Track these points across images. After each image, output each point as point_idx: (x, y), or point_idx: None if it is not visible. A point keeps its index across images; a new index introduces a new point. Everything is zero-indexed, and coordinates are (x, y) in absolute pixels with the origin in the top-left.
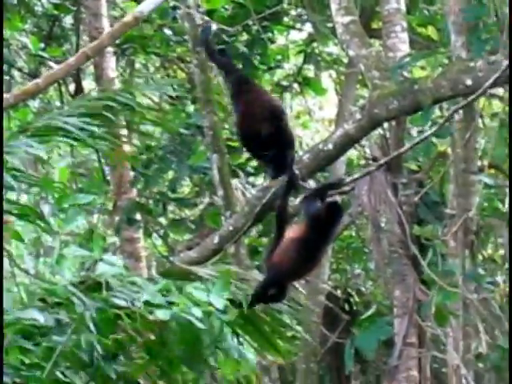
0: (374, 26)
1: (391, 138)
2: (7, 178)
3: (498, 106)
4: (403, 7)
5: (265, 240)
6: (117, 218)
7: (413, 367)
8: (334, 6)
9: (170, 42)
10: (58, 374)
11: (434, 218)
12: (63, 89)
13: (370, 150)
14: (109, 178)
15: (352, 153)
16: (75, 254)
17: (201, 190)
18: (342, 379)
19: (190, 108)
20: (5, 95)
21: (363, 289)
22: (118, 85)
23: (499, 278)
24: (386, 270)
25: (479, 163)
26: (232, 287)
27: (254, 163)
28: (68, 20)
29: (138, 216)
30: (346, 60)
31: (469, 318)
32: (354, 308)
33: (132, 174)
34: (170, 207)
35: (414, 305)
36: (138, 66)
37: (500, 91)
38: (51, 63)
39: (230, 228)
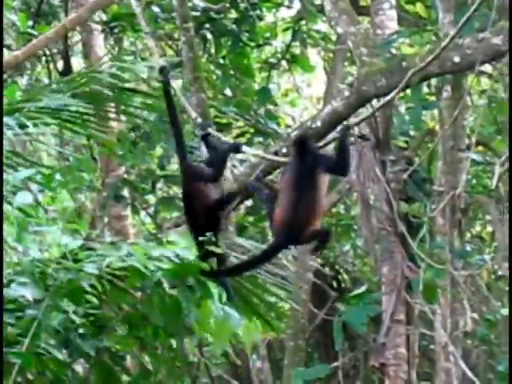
0: (363, 3)
1: (379, 115)
2: None
3: (486, 83)
4: None
5: (252, 217)
6: (104, 195)
7: (401, 344)
8: None
9: (157, 19)
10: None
11: (423, 195)
12: (51, 66)
13: (358, 127)
14: (97, 156)
15: None
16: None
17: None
18: (331, 356)
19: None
20: None
21: (351, 266)
22: (106, 62)
23: (487, 256)
24: (375, 247)
25: (467, 141)
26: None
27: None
28: None
29: (126, 193)
30: (334, 37)
31: (457, 296)
32: (342, 285)
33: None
34: (159, 184)
35: (402, 282)
36: (126, 43)
37: (488, 68)
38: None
39: None
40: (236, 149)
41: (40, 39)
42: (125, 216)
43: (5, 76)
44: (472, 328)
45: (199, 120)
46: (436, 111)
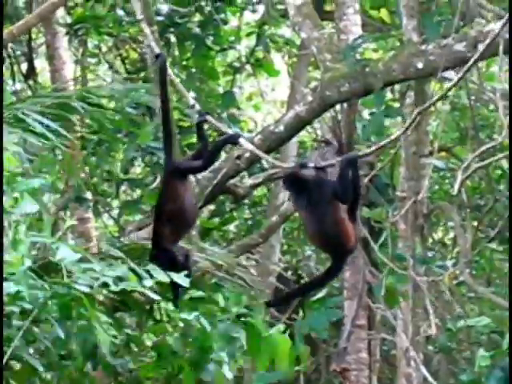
0: (327, 8)
1: (343, 120)
2: None
3: None
4: None
5: (216, 221)
6: (66, 197)
7: (362, 349)
8: None
9: (122, 22)
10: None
11: (385, 200)
12: (15, 68)
13: (321, 132)
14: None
15: (304, 134)
16: (30, 238)
17: (152, 170)
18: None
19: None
20: None
21: (314, 270)
22: (70, 65)
23: (448, 262)
24: None
25: (430, 147)
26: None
27: None
28: None
29: (89, 195)
30: (298, 42)
31: (418, 301)
32: None
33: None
34: (122, 187)
35: (363, 287)
36: (90, 45)
37: (452, 74)
38: None
39: None
40: (234, 140)
41: None
42: (87, 218)
43: None
44: (434, 334)
45: (197, 107)
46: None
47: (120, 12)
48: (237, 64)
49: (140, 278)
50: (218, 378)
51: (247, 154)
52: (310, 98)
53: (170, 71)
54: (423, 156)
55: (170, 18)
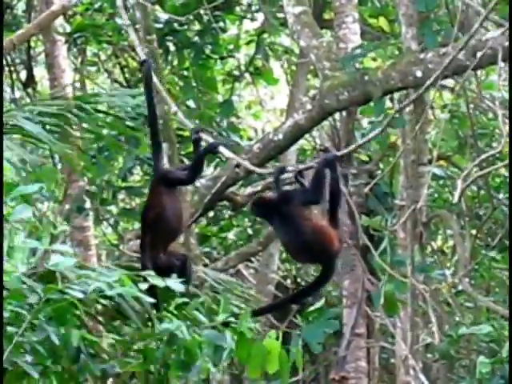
0: (326, 16)
1: (341, 128)
2: None
3: (448, 97)
4: None
5: (214, 228)
6: (67, 206)
7: (361, 358)
8: None
9: (121, 30)
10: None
11: (384, 209)
12: (14, 76)
13: (320, 140)
14: (59, 166)
15: (304, 142)
16: (25, 245)
17: (151, 179)
18: (291, 369)
19: (141, 98)
20: None
21: (313, 279)
22: (69, 73)
23: (447, 271)
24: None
25: (429, 155)
26: None
27: None
28: (20, 7)
29: (88, 204)
30: (297, 50)
31: (417, 309)
32: None
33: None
34: (121, 195)
35: (362, 295)
36: (89, 54)
37: (450, 82)
38: None
39: None
40: (213, 149)
41: None
42: (87, 227)
43: None
44: (432, 342)
45: (180, 115)
46: None
47: (119, 20)
48: (236, 72)
49: (135, 283)
50: None
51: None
52: (309, 107)
53: (155, 78)
54: (422, 164)
55: (169, 26)
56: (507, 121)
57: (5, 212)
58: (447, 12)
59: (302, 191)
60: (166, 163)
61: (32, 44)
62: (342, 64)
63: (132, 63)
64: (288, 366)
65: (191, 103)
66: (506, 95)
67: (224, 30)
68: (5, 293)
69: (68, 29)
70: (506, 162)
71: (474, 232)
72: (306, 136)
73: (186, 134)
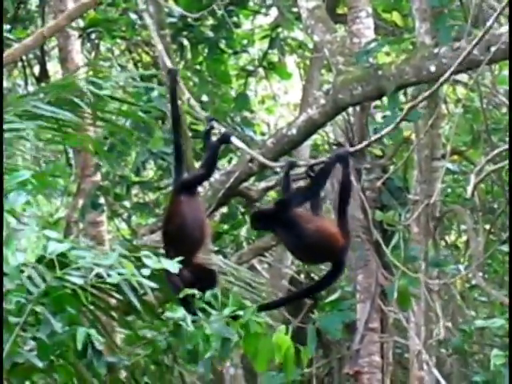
0: (340, 11)
1: (355, 123)
2: None
3: (461, 92)
4: None
5: (226, 226)
6: (81, 201)
7: (375, 352)
8: None
9: (135, 25)
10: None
11: (397, 203)
12: (28, 71)
13: (333, 135)
14: (73, 161)
15: (318, 137)
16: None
17: (165, 174)
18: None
19: (154, 92)
20: None
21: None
22: (83, 68)
23: (461, 265)
24: (350, 255)
25: (442, 149)
26: None
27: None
28: (34, 2)
29: (102, 199)
30: (311, 45)
31: (430, 304)
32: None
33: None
34: (134, 190)
35: (376, 290)
36: (103, 49)
37: (464, 77)
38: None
39: None
40: (226, 139)
41: (18, 47)
42: (100, 222)
43: None
44: (446, 337)
45: (214, 123)
46: None
47: (133, 15)
48: (250, 67)
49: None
50: None
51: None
52: (322, 101)
53: (182, 87)
54: (436, 159)
55: (183, 21)
56: None
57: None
58: (461, 6)
59: (300, 192)
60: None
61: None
62: (356, 59)
63: (146, 58)
64: (292, 360)
65: (205, 98)
66: None
67: (238, 25)
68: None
69: (81, 24)
70: None
71: (487, 227)
72: (320, 131)
73: (200, 128)
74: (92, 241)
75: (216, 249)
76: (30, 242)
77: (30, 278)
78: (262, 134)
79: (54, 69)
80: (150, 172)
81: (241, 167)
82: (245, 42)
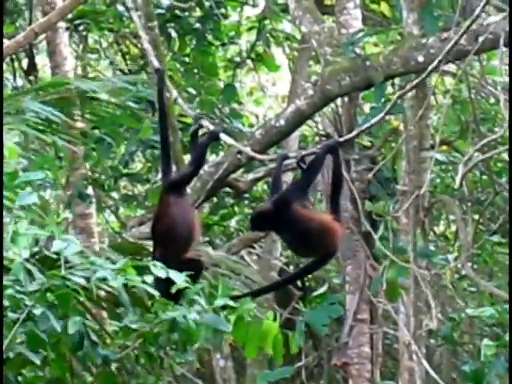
0: (327, 2)
1: (343, 114)
2: None
3: (450, 82)
4: None
5: (216, 217)
6: (69, 193)
7: (364, 343)
8: None
9: (122, 17)
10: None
11: (386, 194)
12: (16, 64)
13: (322, 126)
14: (61, 154)
15: (306, 128)
16: (28, 232)
17: (153, 166)
18: (294, 355)
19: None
20: None
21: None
22: (71, 60)
23: (450, 256)
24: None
25: (431, 140)
26: None
27: None
28: None
29: (91, 191)
30: (299, 36)
31: (420, 295)
32: (306, 284)
33: (84, 149)
34: (123, 182)
35: (365, 281)
36: (90, 41)
37: (452, 68)
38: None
39: None
40: (215, 137)
41: (10, 44)
42: (89, 214)
43: None
44: (435, 327)
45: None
46: None
47: (120, 7)
48: (237, 59)
49: (140, 273)
50: None
51: (248, 149)
52: (310, 92)
53: (170, 86)
54: (424, 150)
55: (171, 12)
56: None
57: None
58: None
59: (295, 186)
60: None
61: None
62: (343, 49)
63: (133, 50)
64: (281, 345)
65: (192, 90)
66: (508, 80)
67: (225, 17)
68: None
69: (69, 15)
70: (508, 146)
71: (476, 217)
72: (308, 122)
73: (189, 121)
74: (81, 233)
75: (206, 239)
76: (23, 237)
77: (30, 274)
78: (251, 125)
79: (42, 62)
80: (138, 164)
81: (229, 159)
82: (232, 33)
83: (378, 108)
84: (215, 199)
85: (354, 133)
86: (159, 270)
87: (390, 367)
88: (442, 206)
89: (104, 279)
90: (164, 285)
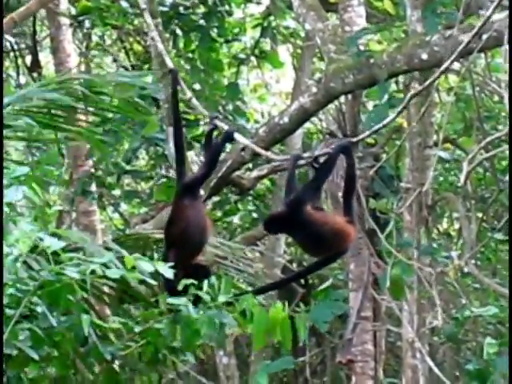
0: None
1: (347, 111)
2: None
3: (454, 80)
4: None
5: (219, 213)
6: (72, 191)
7: (368, 341)
8: None
9: (126, 14)
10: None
11: (390, 192)
12: (19, 61)
13: (325, 123)
14: (65, 151)
15: (310, 126)
16: (24, 229)
17: (156, 163)
18: (298, 352)
19: (147, 79)
20: None
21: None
22: (75, 57)
23: (453, 253)
24: None
25: (435, 137)
26: None
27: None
28: None
29: (94, 188)
30: (303, 34)
31: (423, 292)
32: (310, 281)
33: (88, 146)
34: (126, 180)
35: (368, 278)
36: (94, 38)
37: (456, 65)
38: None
39: None
40: (229, 137)
41: None
42: (92, 211)
43: None
44: (439, 325)
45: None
46: None
47: (124, 4)
48: (242, 56)
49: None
50: None
51: None
52: (314, 90)
53: (184, 86)
54: (428, 147)
55: (175, 9)
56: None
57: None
58: None
59: (308, 187)
60: (171, 147)
61: (37, 28)
62: (347, 46)
63: (137, 47)
64: (289, 332)
65: (197, 86)
66: None
67: (229, 14)
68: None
69: (73, 11)
70: None
71: (479, 215)
72: (312, 119)
73: (192, 117)
74: (84, 230)
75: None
76: (22, 232)
77: (28, 269)
78: (255, 122)
79: (45, 59)
80: (141, 161)
81: (233, 156)
82: (236, 30)
83: (381, 106)
84: (218, 197)
85: (367, 133)
86: (147, 265)
87: (393, 365)
88: (445, 203)
89: (94, 272)
90: (172, 284)
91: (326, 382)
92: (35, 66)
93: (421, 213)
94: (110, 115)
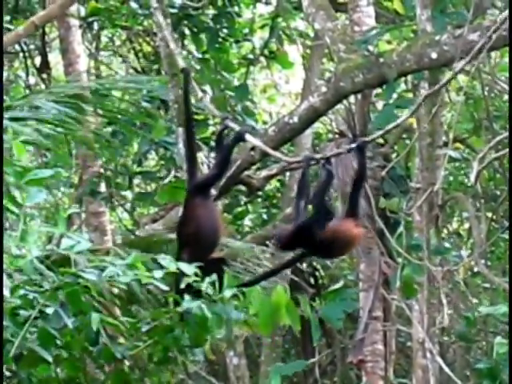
0: None
1: (357, 111)
2: None
3: (463, 79)
4: None
5: (229, 216)
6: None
7: (378, 341)
8: None
9: (136, 15)
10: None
11: (400, 192)
12: (29, 62)
13: (335, 123)
14: (74, 151)
15: (319, 125)
16: (40, 229)
17: (166, 164)
18: (308, 352)
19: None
20: None
21: (329, 262)
22: (84, 58)
23: (464, 253)
24: None
25: (444, 137)
26: None
27: None
28: None
29: (103, 188)
30: (312, 34)
31: (433, 292)
32: (320, 282)
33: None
34: (136, 180)
35: (379, 278)
36: (104, 39)
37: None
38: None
39: None
40: (240, 138)
41: (10, 36)
42: (102, 212)
43: None
44: (449, 324)
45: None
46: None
47: (134, 5)
48: (251, 56)
49: (149, 269)
50: None
51: None
52: (324, 89)
53: (195, 86)
54: (438, 147)
55: (184, 11)
56: None
57: (20, 197)
58: None
59: (316, 217)
60: (181, 148)
61: (46, 30)
62: (356, 46)
63: (146, 48)
64: (296, 313)
65: (207, 88)
66: None
67: (238, 14)
68: (18, 277)
69: (82, 13)
70: None
71: (489, 214)
72: (322, 119)
73: (200, 118)
74: (94, 231)
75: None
76: (33, 234)
77: (41, 273)
78: (264, 123)
79: (55, 60)
80: (151, 162)
81: (242, 156)
82: (246, 31)
83: (390, 105)
84: (228, 200)
85: (380, 132)
86: (169, 264)
87: (403, 365)
88: (455, 203)
89: (112, 276)
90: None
91: (336, 383)
92: (44, 66)
93: (431, 213)
94: (118, 117)
